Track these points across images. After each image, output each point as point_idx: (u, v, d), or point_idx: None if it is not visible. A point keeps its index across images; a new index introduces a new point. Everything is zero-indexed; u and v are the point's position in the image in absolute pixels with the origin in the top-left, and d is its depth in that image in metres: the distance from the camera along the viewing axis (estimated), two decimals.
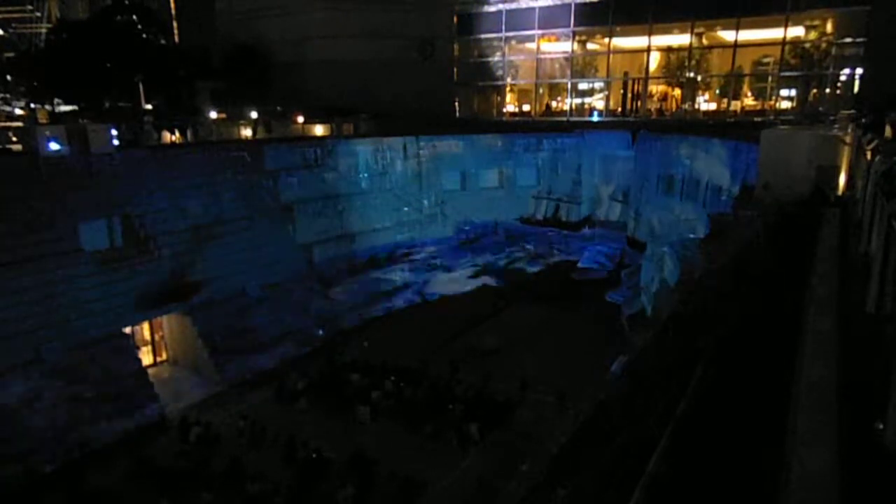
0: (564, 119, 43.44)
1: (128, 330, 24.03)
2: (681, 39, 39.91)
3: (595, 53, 44.06)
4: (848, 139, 21.11)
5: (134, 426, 21.26)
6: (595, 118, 43.16)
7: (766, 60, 39.14)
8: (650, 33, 39.38)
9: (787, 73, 36.86)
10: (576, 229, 39.99)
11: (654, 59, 41.34)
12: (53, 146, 22.31)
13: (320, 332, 28.87)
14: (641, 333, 24.56)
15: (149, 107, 36.64)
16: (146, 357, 26.01)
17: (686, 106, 41.17)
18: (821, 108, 35.65)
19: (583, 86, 45.75)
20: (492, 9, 44.58)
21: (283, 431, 20.67)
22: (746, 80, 40.51)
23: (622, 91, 43.41)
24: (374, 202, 35.54)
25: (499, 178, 40.80)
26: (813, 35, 36.46)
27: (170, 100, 36.85)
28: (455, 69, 46.99)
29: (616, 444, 9.03)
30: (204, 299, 25.49)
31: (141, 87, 35.31)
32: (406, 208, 37.26)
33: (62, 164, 22.08)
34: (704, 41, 39.87)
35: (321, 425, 21.67)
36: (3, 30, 52.69)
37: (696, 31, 38.47)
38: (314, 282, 30.35)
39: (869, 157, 13.71)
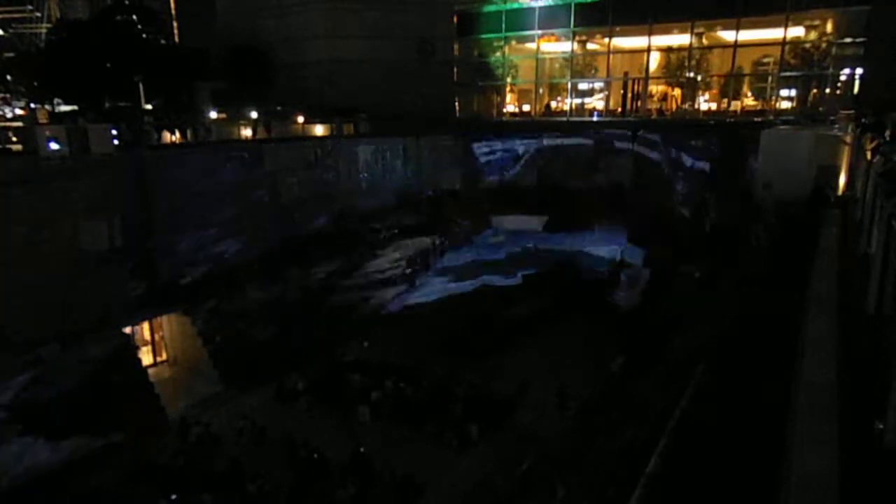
0: (564, 119, 43.43)
1: (128, 330, 24.02)
2: (681, 39, 39.91)
3: (595, 53, 44.06)
4: (848, 139, 21.13)
5: (134, 426, 21.25)
6: (595, 118, 43.17)
7: (766, 60, 39.14)
8: (650, 33, 39.37)
9: (787, 73, 36.86)
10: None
11: (654, 59, 41.35)
12: (53, 146, 22.29)
13: (320, 332, 28.88)
14: (641, 333, 24.61)
15: (149, 107, 36.60)
16: (146, 357, 26.02)
17: (686, 106, 41.18)
18: (821, 108, 35.63)
19: (583, 86, 45.75)
20: (492, 9, 44.59)
21: (283, 431, 20.69)
22: (746, 80, 40.51)
23: (622, 91, 43.41)
24: (374, 202, 35.49)
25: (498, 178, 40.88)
26: (813, 35, 36.45)
27: (170, 100, 36.80)
28: (455, 69, 46.96)
29: (616, 444, 9.06)
30: (204, 299, 25.47)
31: (141, 87, 35.27)
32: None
33: (62, 164, 22.06)
34: (704, 41, 39.88)
35: (321, 425, 21.69)
36: (3, 30, 52.63)
37: (696, 31, 38.48)
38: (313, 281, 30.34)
39: (869, 157, 13.71)
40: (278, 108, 39.70)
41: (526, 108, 47.30)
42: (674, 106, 42.19)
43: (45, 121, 31.86)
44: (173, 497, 17.44)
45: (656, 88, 43.15)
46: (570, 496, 11.72)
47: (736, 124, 36.10)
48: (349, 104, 39.53)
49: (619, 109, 43.35)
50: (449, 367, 24.93)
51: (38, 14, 52.01)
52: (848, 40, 34.31)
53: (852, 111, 28.71)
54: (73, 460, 19.36)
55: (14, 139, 26.05)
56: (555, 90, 46.56)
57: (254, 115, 37.45)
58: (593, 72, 44.76)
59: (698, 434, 7.39)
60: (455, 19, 45.99)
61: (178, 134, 30.68)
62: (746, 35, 36.95)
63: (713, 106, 41.22)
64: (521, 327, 28.99)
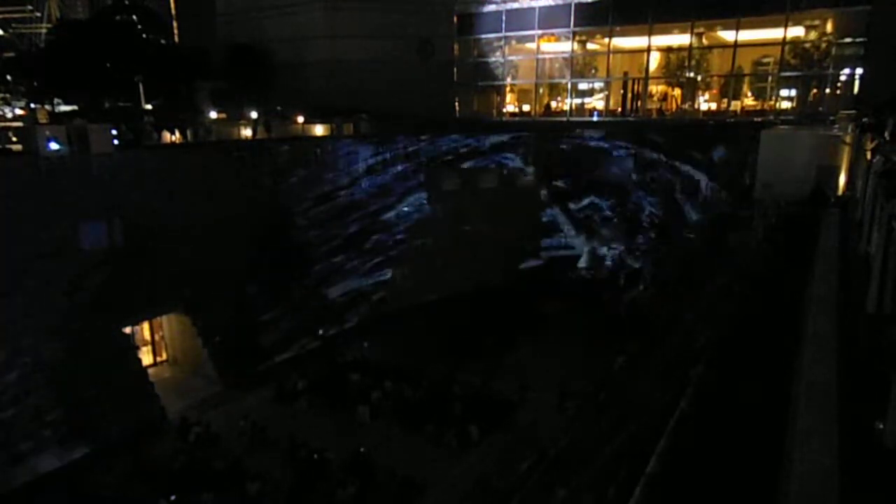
0: (564, 119, 43.40)
1: (128, 330, 24.02)
2: (681, 39, 39.86)
3: (595, 53, 44.01)
4: (848, 139, 21.15)
5: (134, 426, 21.26)
6: (595, 118, 43.14)
7: (766, 60, 39.07)
8: (650, 33, 39.34)
9: (787, 73, 36.82)
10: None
11: (654, 59, 41.29)
12: (53, 146, 22.30)
13: (320, 331, 28.91)
14: (641, 333, 24.63)
15: (149, 107, 36.60)
16: (146, 357, 26.03)
17: (686, 106, 41.13)
18: (821, 108, 35.61)
19: (583, 86, 45.67)
20: (492, 9, 44.56)
21: (283, 431, 20.68)
22: (746, 80, 40.46)
23: (622, 91, 43.37)
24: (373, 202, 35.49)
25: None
26: (813, 35, 36.41)
27: (170, 100, 36.81)
28: (455, 69, 46.92)
29: (616, 444, 9.06)
30: (204, 299, 25.46)
31: (141, 87, 35.28)
32: (406, 208, 37.22)
33: (62, 164, 22.08)
34: (704, 41, 39.82)
35: (321, 425, 21.69)
36: (3, 30, 52.69)
37: (696, 31, 38.44)
38: (313, 281, 30.35)
39: (869, 157, 13.72)
40: (278, 108, 39.71)
41: (526, 108, 47.24)
42: (674, 106, 42.12)
43: (45, 121, 31.86)
44: (173, 497, 17.43)
45: (656, 88, 43.08)
46: (570, 496, 11.72)
47: (736, 124, 36.08)
48: (349, 104, 39.51)
49: (619, 109, 43.30)
50: (449, 367, 24.93)
51: (38, 14, 52.13)
52: (848, 40, 34.25)
53: (852, 111, 28.72)
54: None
55: (14, 139, 26.05)
56: (555, 90, 46.49)
57: (254, 115, 37.46)
58: (593, 72, 44.70)
59: (698, 434, 7.38)
60: (455, 19, 45.96)
61: (177, 134, 30.69)
62: (746, 35, 36.91)
63: (713, 106, 41.16)
64: (521, 327, 28.99)
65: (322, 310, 29.68)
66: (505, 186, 37.03)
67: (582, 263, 36.90)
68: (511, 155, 37.63)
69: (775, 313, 10.28)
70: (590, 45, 43.87)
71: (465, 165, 36.80)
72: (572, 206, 37.90)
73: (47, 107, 36.15)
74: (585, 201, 37.88)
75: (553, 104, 46.58)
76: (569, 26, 41.66)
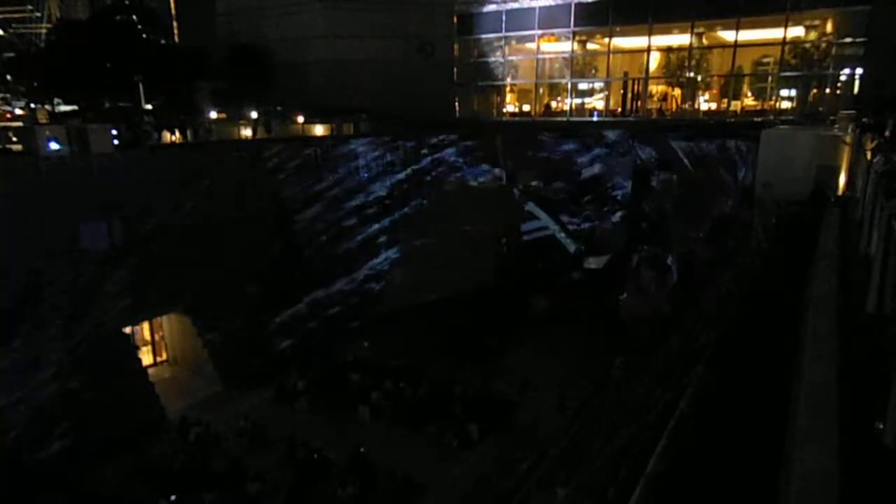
0: (564, 119, 43.43)
1: (128, 330, 24.02)
2: (681, 39, 39.87)
3: (595, 53, 44.02)
4: (848, 139, 21.15)
5: (134, 426, 21.26)
6: (595, 118, 43.17)
7: (766, 60, 39.09)
8: (650, 33, 39.36)
9: (787, 73, 36.84)
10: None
11: (654, 59, 41.30)
12: (53, 146, 22.31)
13: (319, 331, 28.91)
14: (641, 333, 24.63)
15: (149, 107, 36.59)
16: (146, 357, 26.04)
17: (686, 106, 41.14)
18: (821, 108, 35.61)
19: (583, 86, 45.67)
20: (492, 9, 44.57)
21: (283, 431, 20.69)
22: (746, 80, 40.47)
23: (622, 91, 43.37)
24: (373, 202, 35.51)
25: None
26: (813, 35, 36.43)
27: (170, 100, 36.79)
28: (455, 69, 46.95)
29: (616, 444, 9.06)
30: (204, 299, 25.46)
31: (141, 87, 35.26)
32: (406, 208, 37.24)
33: (62, 164, 22.08)
34: (704, 41, 39.84)
35: (321, 425, 21.71)
36: (3, 30, 52.69)
37: (696, 31, 38.46)
38: (312, 281, 30.34)
39: (869, 157, 13.72)
40: (278, 108, 39.69)
41: (526, 108, 47.24)
42: (674, 106, 42.12)
43: (45, 121, 31.85)
44: (173, 497, 17.44)
45: (656, 88, 43.08)
46: (571, 496, 11.73)
47: (736, 124, 36.11)
48: (349, 104, 39.54)
49: (619, 109, 43.30)
50: (449, 367, 24.94)
51: (38, 14, 52.13)
52: (848, 40, 34.27)
53: (852, 111, 28.73)
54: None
55: (14, 139, 26.05)
56: (555, 90, 46.49)
57: (254, 115, 37.46)
58: (593, 72, 44.71)
59: (698, 434, 7.39)
60: (455, 19, 45.97)
61: (178, 134, 30.68)
62: (746, 35, 36.94)
63: (713, 106, 41.16)
64: (521, 327, 28.99)
65: (321, 309, 29.71)
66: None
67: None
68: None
69: (775, 313, 10.29)
70: (590, 45, 43.87)
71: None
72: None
73: (47, 107, 36.12)
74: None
75: (553, 104, 46.59)
76: (569, 26, 41.67)
